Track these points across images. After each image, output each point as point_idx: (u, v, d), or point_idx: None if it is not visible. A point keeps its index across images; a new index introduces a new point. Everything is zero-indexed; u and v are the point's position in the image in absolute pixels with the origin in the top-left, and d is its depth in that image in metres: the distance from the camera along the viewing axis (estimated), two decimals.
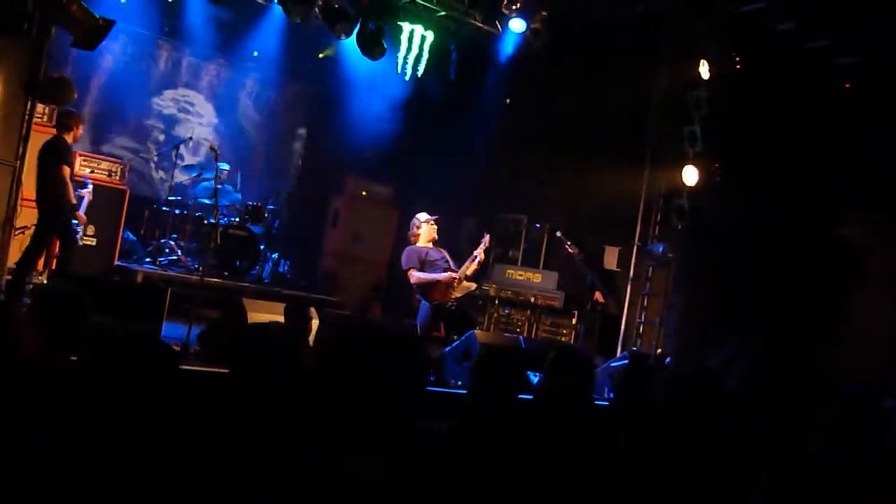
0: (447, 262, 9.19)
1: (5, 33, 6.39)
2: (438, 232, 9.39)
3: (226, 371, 3.47)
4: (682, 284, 10.26)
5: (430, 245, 9.25)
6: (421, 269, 9.00)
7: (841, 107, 9.51)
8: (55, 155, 7.70)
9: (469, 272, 9.15)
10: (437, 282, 9.01)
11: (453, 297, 9.10)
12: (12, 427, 2.78)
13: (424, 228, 9.24)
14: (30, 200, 7.68)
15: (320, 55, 12.44)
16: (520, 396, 3.86)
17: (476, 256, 9.15)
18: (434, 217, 9.32)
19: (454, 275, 9.03)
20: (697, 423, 3.79)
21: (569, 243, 10.73)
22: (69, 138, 7.91)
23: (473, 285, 9.39)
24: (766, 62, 9.57)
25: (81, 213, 8.42)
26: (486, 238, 9.40)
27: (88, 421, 2.77)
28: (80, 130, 8.21)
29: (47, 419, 2.78)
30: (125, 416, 2.80)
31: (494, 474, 3.37)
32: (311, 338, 6.40)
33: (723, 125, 9.65)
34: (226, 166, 11.29)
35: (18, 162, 6.64)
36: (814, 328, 9.29)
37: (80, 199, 8.52)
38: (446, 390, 6.84)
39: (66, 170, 7.80)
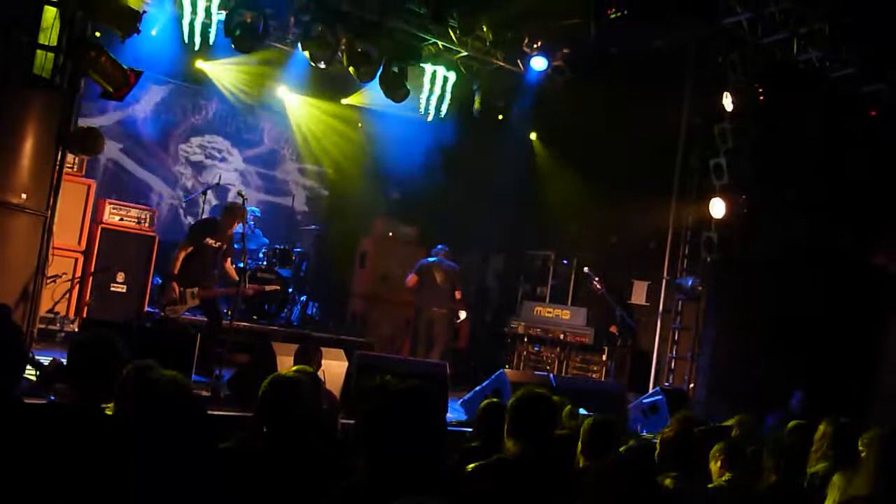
0: None
1: (36, 86, 6.48)
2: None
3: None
4: (712, 318, 10.15)
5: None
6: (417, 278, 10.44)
7: (867, 134, 9.45)
8: None
9: None
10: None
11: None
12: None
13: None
14: (61, 249, 7.73)
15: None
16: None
17: None
18: None
19: None
20: None
21: (596, 279, 10.63)
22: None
23: None
24: (791, 92, 9.55)
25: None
26: None
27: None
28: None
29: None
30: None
31: None
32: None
33: (749, 157, 9.61)
34: (256, 211, 11.37)
35: (49, 212, 6.68)
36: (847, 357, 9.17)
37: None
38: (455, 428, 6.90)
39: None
